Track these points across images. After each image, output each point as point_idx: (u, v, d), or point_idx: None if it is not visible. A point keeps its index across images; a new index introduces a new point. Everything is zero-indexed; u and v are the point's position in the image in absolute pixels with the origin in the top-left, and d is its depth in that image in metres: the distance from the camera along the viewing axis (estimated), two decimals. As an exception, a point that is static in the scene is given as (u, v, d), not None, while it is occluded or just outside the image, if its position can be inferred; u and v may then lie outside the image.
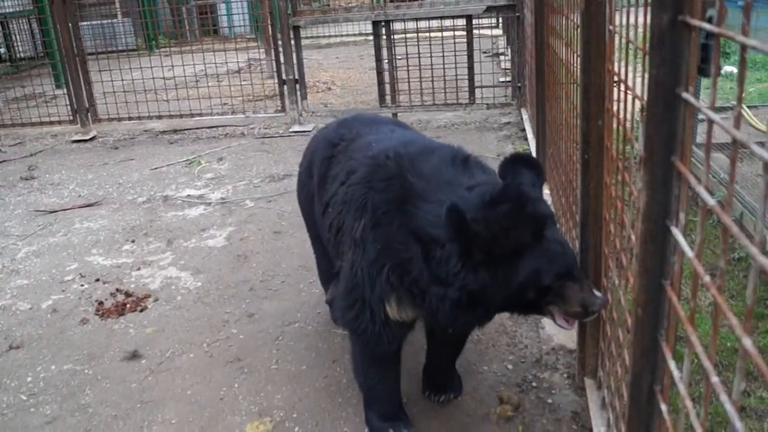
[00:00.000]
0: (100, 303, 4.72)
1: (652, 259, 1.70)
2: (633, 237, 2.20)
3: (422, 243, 2.53)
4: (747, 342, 1.15)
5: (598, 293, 2.61)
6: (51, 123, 9.74)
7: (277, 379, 3.72)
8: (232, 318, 4.42)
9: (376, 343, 2.96)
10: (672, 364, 1.66)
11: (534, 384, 3.49)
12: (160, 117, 9.67)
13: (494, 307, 2.62)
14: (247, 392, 3.63)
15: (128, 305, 4.67)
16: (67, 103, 9.65)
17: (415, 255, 2.56)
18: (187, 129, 9.66)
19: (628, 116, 2.52)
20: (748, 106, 7.12)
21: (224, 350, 4.05)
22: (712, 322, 1.35)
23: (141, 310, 4.61)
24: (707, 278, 1.33)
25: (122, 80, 9.75)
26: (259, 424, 3.37)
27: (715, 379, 1.32)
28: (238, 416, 3.45)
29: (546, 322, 4.03)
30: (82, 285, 5.04)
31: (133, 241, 5.81)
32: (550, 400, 3.35)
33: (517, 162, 2.73)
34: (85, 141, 9.42)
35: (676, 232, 1.56)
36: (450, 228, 2.38)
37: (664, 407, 1.83)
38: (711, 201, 1.30)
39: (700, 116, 1.50)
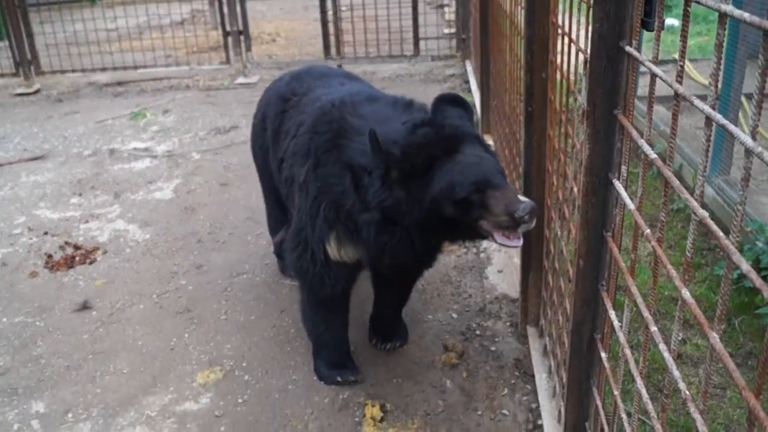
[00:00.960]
0: (50, 256, 4.66)
1: (594, 211, 1.75)
2: (575, 189, 2.25)
3: (353, 172, 2.62)
4: (685, 293, 1.20)
5: (523, 198, 2.49)
6: (-6, 76, 9.40)
7: (226, 329, 3.75)
8: (180, 270, 4.41)
9: (319, 285, 3.00)
10: (612, 314, 1.73)
11: (478, 332, 3.58)
12: (104, 69, 9.44)
13: (416, 227, 2.60)
14: (198, 342, 3.65)
15: (77, 258, 4.62)
16: (9, 55, 9.33)
17: (348, 186, 2.66)
18: (132, 81, 9.43)
19: (572, 69, 2.56)
20: (689, 59, 7.25)
21: (174, 301, 4.05)
22: (652, 273, 1.41)
23: (90, 263, 4.57)
24: (648, 230, 1.38)
25: (65, 32, 9.45)
26: (210, 372, 3.39)
27: (654, 328, 1.38)
28: (189, 365, 3.47)
29: (489, 271, 4.12)
30: (31, 238, 4.95)
31: (80, 195, 5.71)
32: (493, 348, 3.44)
33: (444, 101, 2.83)
34: (28, 94, 9.13)
35: (618, 185, 1.61)
36: (372, 153, 2.49)
37: (603, 355, 1.90)
38: (652, 154, 1.34)
39: (642, 69, 1.53)
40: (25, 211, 5.45)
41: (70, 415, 3.19)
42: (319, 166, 2.79)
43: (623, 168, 1.61)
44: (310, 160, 2.84)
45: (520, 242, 2.53)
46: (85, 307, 4.04)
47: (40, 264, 4.57)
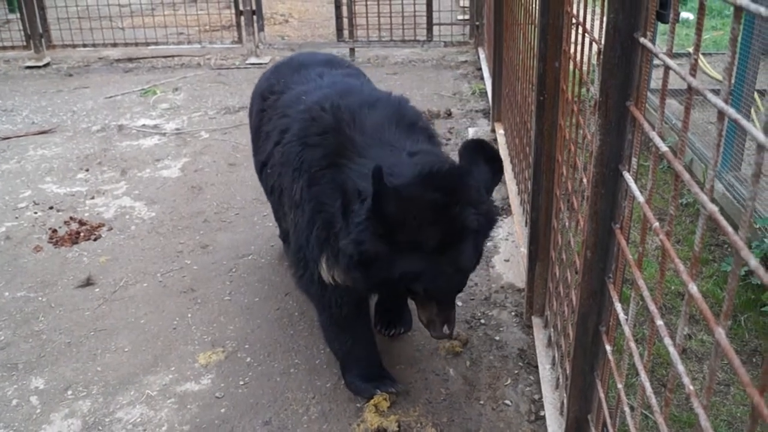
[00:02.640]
0: (54, 231, 4.67)
1: (603, 203, 1.74)
2: (585, 180, 2.24)
3: (346, 195, 2.42)
4: (693, 287, 1.19)
5: (445, 329, 2.53)
6: (4, 48, 9.39)
7: (230, 310, 3.75)
8: (185, 249, 4.41)
9: (325, 306, 2.91)
10: (618, 306, 1.72)
11: (483, 321, 3.57)
12: (115, 45, 9.41)
13: (376, 279, 2.44)
14: (200, 322, 3.65)
15: (82, 234, 4.62)
16: (21, 28, 9.30)
17: (338, 208, 2.45)
18: (143, 58, 9.42)
19: (585, 59, 2.53)
20: (703, 54, 7.20)
21: (178, 281, 4.06)
22: (660, 267, 1.39)
23: (95, 239, 4.57)
24: (656, 224, 1.37)
25: (77, 6, 9.42)
26: (212, 353, 3.40)
27: (659, 322, 1.37)
28: (191, 346, 3.47)
29: (495, 260, 4.11)
30: (36, 213, 4.96)
31: (87, 170, 5.72)
32: (497, 337, 3.44)
33: (478, 151, 2.54)
34: (38, 67, 9.13)
35: (628, 177, 1.59)
36: (372, 187, 2.21)
37: (608, 348, 1.89)
38: (663, 147, 1.33)
39: (656, 62, 1.51)
40: (31, 185, 5.46)
41: (69, 392, 3.19)
42: (313, 185, 2.60)
43: (633, 160, 1.59)
44: (304, 178, 2.66)
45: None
46: (88, 283, 4.05)
47: (45, 239, 4.58)
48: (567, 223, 2.76)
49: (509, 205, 4.65)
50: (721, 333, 1.06)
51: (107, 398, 3.15)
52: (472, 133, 6.03)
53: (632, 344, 1.60)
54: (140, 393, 3.17)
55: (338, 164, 2.52)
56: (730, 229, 1.04)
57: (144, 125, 6.79)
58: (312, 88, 3.04)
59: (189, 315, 3.73)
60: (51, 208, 5.02)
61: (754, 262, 0.96)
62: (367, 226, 2.28)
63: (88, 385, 3.23)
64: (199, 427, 2.97)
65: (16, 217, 4.91)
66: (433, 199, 2.27)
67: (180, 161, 5.85)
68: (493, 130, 5.94)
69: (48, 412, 3.08)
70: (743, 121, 1.02)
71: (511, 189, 4.72)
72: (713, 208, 1.10)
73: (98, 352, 3.46)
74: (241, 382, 3.20)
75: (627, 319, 1.65)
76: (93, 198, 5.18)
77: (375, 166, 2.16)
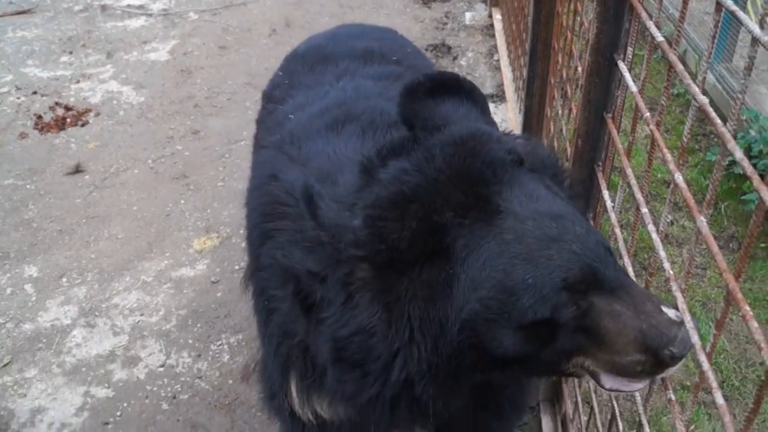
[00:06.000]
0: (39, 117, 4.61)
1: (597, 91, 1.75)
2: (580, 68, 2.23)
3: (296, 284, 1.45)
4: (678, 177, 1.23)
5: (670, 310, 1.27)
6: None
7: (223, 196, 3.78)
8: (176, 134, 4.40)
9: None
10: (606, 194, 1.76)
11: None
12: None
13: (428, 376, 1.36)
14: (194, 209, 3.69)
15: (68, 119, 4.58)
16: None
17: (291, 306, 1.51)
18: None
19: (585, -56, 2.47)
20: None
21: (169, 167, 4.06)
22: (648, 156, 1.43)
23: (82, 125, 4.54)
24: (647, 114, 1.39)
25: None
26: (206, 239, 3.46)
27: (645, 209, 1.42)
28: (185, 232, 3.53)
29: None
30: (19, 98, 4.89)
31: (71, 53, 5.59)
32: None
33: (423, 92, 1.56)
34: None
35: (623, 66, 1.60)
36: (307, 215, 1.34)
37: (594, 231, 1.95)
38: (659, 37, 1.33)
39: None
40: (12, 68, 5.34)
41: (64, 279, 3.26)
42: (259, 269, 1.76)
43: (629, 49, 1.60)
44: (250, 259, 1.96)
45: (641, 385, 1.38)
46: (77, 170, 4.04)
47: (30, 125, 4.53)
48: (560, 111, 2.77)
49: (504, 92, 4.63)
50: (702, 221, 1.11)
51: (103, 285, 3.22)
52: (469, 18, 5.91)
53: (617, 230, 1.65)
54: (136, 279, 3.25)
55: (271, 234, 1.66)
56: (718, 121, 1.06)
57: (129, 5, 6.59)
58: (309, 104, 2.15)
59: (182, 201, 3.76)
60: (35, 93, 4.94)
61: (739, 154, 0.99)
62: (345, 305, 1.35)
63: (82, 273, 3.29)
64: (195, 311, 3.07)
65: (-1, 103, 4.84)
66: (403, 166, 1.40)
67: (168, 44, 5.72)
68: (491, 15, 5.82)
69: (44, 300, 3.15)
70: (740, 13, 1.03)
71: (506, 75, 4.69)
72: (704, 100, 1.13)
73: (91, 240, 3.50)
74: (237, 267, 3.27)
75: (614, 206, 1.70)
76: (78, 82, 5.09)
77: (300, 188, 1.37)
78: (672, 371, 1.28)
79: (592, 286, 1.27)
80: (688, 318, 1.17)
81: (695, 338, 1.12)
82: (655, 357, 1.23)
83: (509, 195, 1.34)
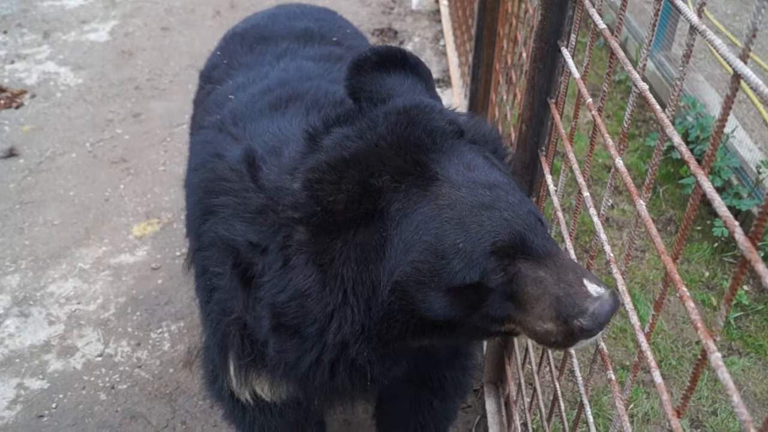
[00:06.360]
0: (-29, 98, 4.46)
1: (540, 77, 1.76)
2: (524, 54, 2.25)
3: (235, 256, 1.47)
4: (619, 161, 1.25)
5: (592, 283, 1.29)
6: None
7: (164, 181, 3.71)
8: (116, 117, 4.29)
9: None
10: (549, 178, 1.78)
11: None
12: None
13: (360, 339, 1.40)
14: (134, 194, 3.61)
15: (2, 101, 4.44)
16: None
17: (229, 280, 1.54)
18: None
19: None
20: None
21: (109, 150, 3.97)
22: (590, 141, 1.45)
23: (17, 107, 4.40)
24: (590, 100, 1.41)
25: None
26: (147, 225, 3.39)
27: (586, 193, 1.44)
28: (125, 217, 3.45)
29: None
30: (-52, 77, 4.71)
31: (5, 32, 5.41)
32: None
33: (369, 66, 1.58)
34: None
35: (566, 53, 1.62)
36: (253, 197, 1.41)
37: (537, 216, 1.97)
38: (602, 24, 1.35)
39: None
40: (-58, 47, 5.15)
41: (-4, 267, 3.15)
42: (200, 249, 1.76)
43: (572, 36, 1.61)
44: (191, 239, 1.92)
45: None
46: (11, 154, 3.92)
47: (-39, 106, 4.38)
48: (505, 97, 2.79)
49: (449, 77, 4.64)
50: (641, 205, 1.13)
51: (37, 273, 3.13)
52: (416, 3, 5.89)
53: (560, 214, 1.67)
54: (72, 266, 3.16)
55: (213, 210, 1.61)
56: (658, 107, 1.08)
57: (67, -15, 6.41)
58: (248, 85, 2.14)
59: (121, 186, 3.67)
60: (-34, 72, 4.76)
61: (677, 139, 1.01)
62: (282, 270, 1.38)
63: (15, 260, 3.20)
64: (135, 298, 3.00)
65: (-70, 82, 4.66)
66: (345, 132, 1.45)
67: (108, 24, 5.57)
68: (437, 1, 5.83)
69: (-27, 288, 3.05)
70: (679, 2, 1.05)
71: (452, 60, 4.70)
72: (644, 86, 1.14)
73: (25, 226, 3.40)
74: (178, 254, 3.22)
75: (556, 190, 1.72)
76: (13, 63, 4.93)
77: (241, 150, 1.49)
78: (583, 344, 1.30)
79: (521, 252, 1.31)
80: (628, 300, 1.20)
81: (634, 319, 1.14)
82: (566, 326, 1.26)
83: (447, 163, 1.38)
